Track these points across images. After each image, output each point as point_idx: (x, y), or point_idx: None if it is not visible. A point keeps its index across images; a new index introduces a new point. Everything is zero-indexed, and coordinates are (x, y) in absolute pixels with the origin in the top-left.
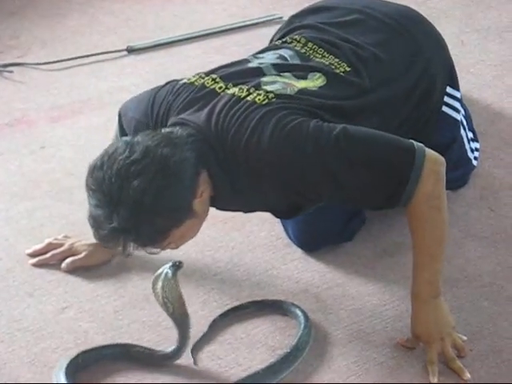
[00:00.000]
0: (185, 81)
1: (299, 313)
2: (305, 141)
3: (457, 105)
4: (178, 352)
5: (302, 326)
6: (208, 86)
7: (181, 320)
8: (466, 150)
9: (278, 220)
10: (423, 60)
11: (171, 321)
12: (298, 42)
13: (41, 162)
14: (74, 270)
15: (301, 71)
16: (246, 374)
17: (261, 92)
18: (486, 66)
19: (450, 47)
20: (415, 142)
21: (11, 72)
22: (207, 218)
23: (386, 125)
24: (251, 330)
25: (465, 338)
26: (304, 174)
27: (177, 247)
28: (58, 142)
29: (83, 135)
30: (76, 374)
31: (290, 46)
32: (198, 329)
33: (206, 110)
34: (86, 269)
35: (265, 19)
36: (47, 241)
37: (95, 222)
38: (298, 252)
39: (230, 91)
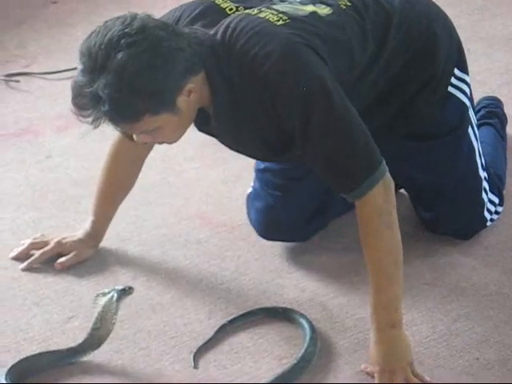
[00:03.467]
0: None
1: (305, 323)
2: (309, 82)
3: (465, 88)
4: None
5: (308, 337)
6: (218, 4)
7: (94, 340)
8: (476, 172)
9: None
10: (426, 19)
11: (88, 331)
12: None
13: (47, 172)
14: (67, 269)
15: (308, 1)
16: None
17: (273, 11)
18: (492, 74)
19: None
20: (383, 159)
21: (18, 81)
22: (214, 227)
23: (384, 74)
24: (257, 339)
25: (428, 378)
26: (290, 104)
27: (154, 142)
28: (64, 152)
29: (89, 145)
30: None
31: None
32: (204, 338)
33: (215, 26)
34: (92, 277)
35: None
36: (28, 241)
37: (76, 88)
38: (304, 261)
39: (239, 12)
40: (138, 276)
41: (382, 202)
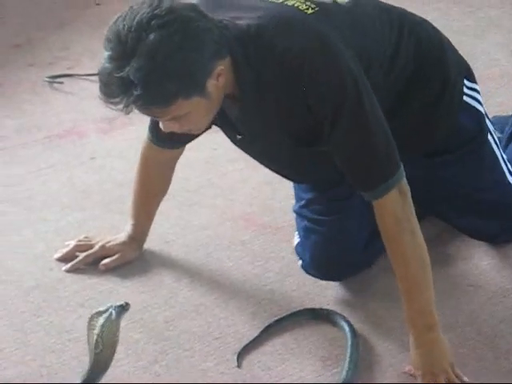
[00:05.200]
0: None
1: (347, 328)
2: (342, 70)
3: (477, 96)
4: None
5: (350, 342)
6: None
7: (101, 364)
8: (503, 178)
9: None
10: (434, 32)
11: (91, 358)
12: None
13: (91, 173)
14: (111, 270)
15: None
16: None
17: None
18: None
19: (498, 57)
20: (401, 163)
21: (61, 83)
22: (258, 228)
23: (391, 80)
24: (301, 340)
25: (466, 378)
26: (323, 97)
27: (179, 129)
28: (108, 153)
29: (133, 146)
30: None
31: None
32: (248, 339)
33: (238, 11)
34: (136, 279)
35: None
36: (73, 243)
37: (104, 75)
38: None
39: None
40: (182, 277)
41: (400, 209)
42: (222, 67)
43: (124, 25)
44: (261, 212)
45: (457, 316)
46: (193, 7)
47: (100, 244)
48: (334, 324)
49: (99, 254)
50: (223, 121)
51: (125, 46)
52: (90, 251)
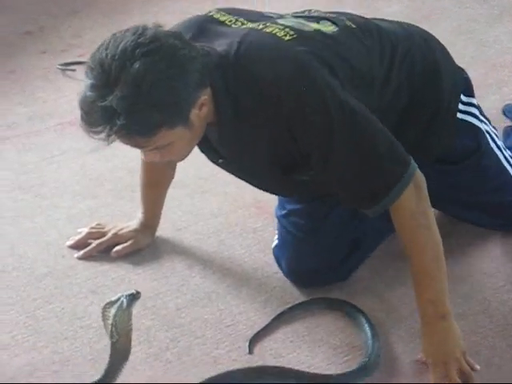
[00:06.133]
0: (191, 16)
1: (364, 320)
2: (323, 96)
3: (475, 111)
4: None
5: (370, 334)
6: (217, 18)
7: (120, 353)
8: (510, 174)
9: None
10: (427, 50)
11: (110, 349)
12: (303, 12)
13: (103, 161)
14: (123, 257)
15: (312, 18)
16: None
17: (279, 26)
18: None
19: (511, 45)
20: (411, 158)
21: (74, 70)
22: (270, 216)
23: (385, 106)
24: (313, 328)
25: (477, 366)
26: (307, 127)
27: (160, 159)
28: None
29: None
30: None
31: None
32: (260, 327)
33: (217, 40)
34: (148, 266)
35: None
36: (85, 230)
37: (86, 104)
38: None
39: (244, 26)
40: (194, 265)
41: (415, 204)
42: (206, 97)
43: (107, 53)
44: (273, 199)
45: (469, 304)
46: (177, 35)
47: (112, 231)
48: (348, 314)
49: (111, 242)
50: (204, 144)
51: (108, 75)
52: (103, 239)
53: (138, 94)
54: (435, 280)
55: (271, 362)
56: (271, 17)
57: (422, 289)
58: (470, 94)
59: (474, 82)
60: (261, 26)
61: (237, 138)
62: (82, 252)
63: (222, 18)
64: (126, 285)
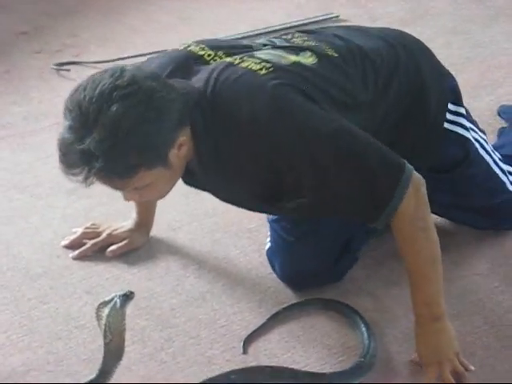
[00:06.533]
0: (169, 50)
1: (359, 321)
2: (302, 124)
3: (462, 121)
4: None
5: (366, 335)
6: (196, 52)
7: (113, 353)
8: (499, 178)
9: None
10: (413, 66)
11: (103, 349)
12: (286, 36)
13: None
14: (118, 257)
15: (292, 49)
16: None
17: (256, 60)
18: None
19: (507, 46)
20: (405, 162)
21: (68, 70)
22: (264, 216)
23: (374, 130)
24: (308, 328)
25: (472, 367)
26: (291, 157)
27: (140, 199)
28: None
29: None
30: None
31: (278, 37)
32: (255, 327)
33: (195, 76)
34: (142, 266)
35: (321, 17)
36: (80, 230)
37: (64, 145)
38: None
39: (221, 60)
40: (189, 264)
41: (414, 209)
42: (185, 137)
43: (85, 95)
44: None
45: (464, 305)
46: (155, 76)
47: (107, 231)
48: (343, 314)
49: (106, 242)
50: (188, 177)
51: (86, 118)
52: (98, 239)
53: (116, 138)
54: (431, 282)
55: (266, 362)
56: (250, 47)
57: (417, 290)
58: (458, 102)
59: (469, 83)
60: (237, 61)
61: (219, 174)
62: (76, 252)
63: (201, 53)
64: (121, 285)
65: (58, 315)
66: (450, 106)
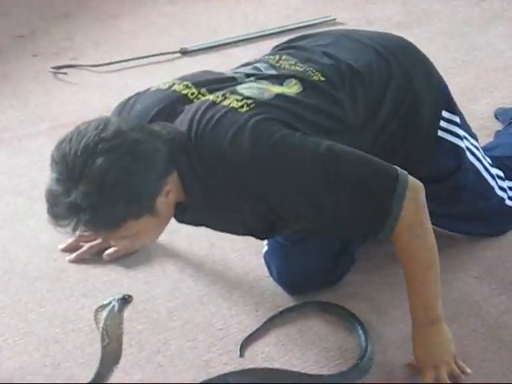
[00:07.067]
0: (153, 88)
1: (357, 325)
2: (287, 155)
3: (456, 129)
4: None
5: (363, 338)
6: (179, 91)
7: (110, 357)
8: (487, 183)
9: None
10: (405, 80)
11: (101, 353)
12: (273, 58)
13: None
14: (115, 260)
15: (276, 79)
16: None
17: (237, 97)
18: None
19: (503, 49)
20: (399, 169)
21: (65, 74)
22: None
23: (366, 146)
24: (305, 331)
25: (469, 370)
26: (282, 191)
27: (131, 246)
28: None
29: None
30: None
31: (264, 60)
32: (252, 330)
33: (179, 116)
34: (140, 269)
35: (318, 21)
36: (77, 233)
37: (52, 197)
38: None
39: (204, 98)
40: (186, 268)
41: (412, 215)
42: (171, 185)
43: (70, 148)
44: None
45: (460, 307)
46: (139, 127)
47: None
48: (340, 317)
49: (103, 245)
50: (181, 216)
51: (72, 171)
52: (94, 242)
53: (102, 190)
54: (428, 286)
55: (263, 365)
56: (234, 79)
57: (415, 294)
58: (452, 110)
59: (466, 86)
60: (220, 99)
61: (212, 211)
62: (73, 255)
63: (184, 92)
64: (118, 288)
65: (55, 318)
66: (444, 114)
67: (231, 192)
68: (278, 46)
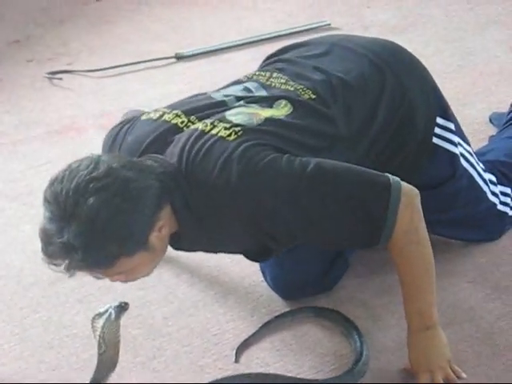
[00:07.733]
0: (144, 118)
1: (353, 331)
2: (276, 179)
3: (451, 136)
4: None
5: (358, 342)
6: (169, 120)
7: (106, 364)
8: (480, 188)
9: None
10: (399, 90)
11: (97, 360)
12: (264, 75)
13: None
14: None
15: (266, 101)
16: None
17: (226, 125)
18: None
19: (498, 53)
20: (390, 177)
21: (60, 79)
22: None
23: (360, 158)
24: (300, 336)
25: (464, 375)
26: (275, 215)
27: (126, 281)
28: None
29: None
30: None
31: (255, 78)
32: (247, 335)
33: (169, 147)
34: None
35: (313, 26)
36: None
37: (45, 236)
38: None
39: (194, 126)
40: (181, 273)
41: (407, 221)
42: (165, 219)
43: (62, 188)
44: None
45: (455, 313)
46: (130, 164)
47: None
48: (336, 323)
49: None
50: (173, 243)
51: (63, 211)
52: None
53: (94, 230)
54: (423, 292)
55: (258, 370)
56: (224, 104)
57: (410, 300)
58: (447, 116)
59: (461, 91)
60: (208, 127)
61: (206, 239)
62: None
63: (174, 121)
64: (113, 294)
65: (50, 324)
66: (439, 120)
67: (224, 220)
68: (270, 58)
